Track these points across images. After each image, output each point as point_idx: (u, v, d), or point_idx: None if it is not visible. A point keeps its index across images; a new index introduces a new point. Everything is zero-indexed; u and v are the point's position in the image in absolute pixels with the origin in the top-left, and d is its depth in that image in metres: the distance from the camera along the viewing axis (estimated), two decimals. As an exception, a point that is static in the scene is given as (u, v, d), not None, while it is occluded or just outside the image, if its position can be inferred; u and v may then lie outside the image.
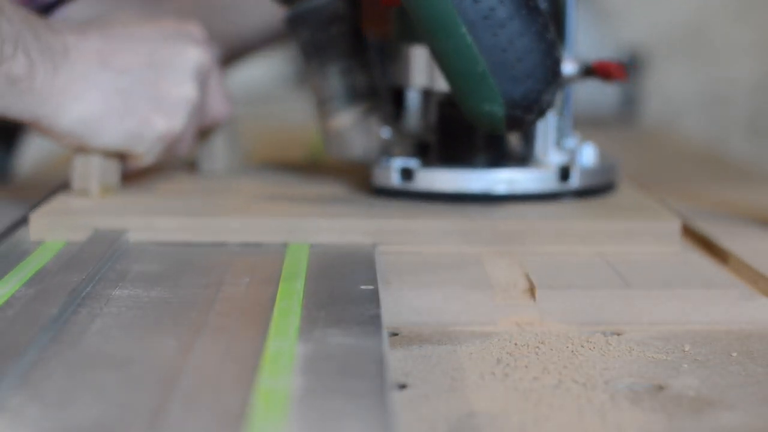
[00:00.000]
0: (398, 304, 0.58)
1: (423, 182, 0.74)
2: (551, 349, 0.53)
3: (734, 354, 0.53)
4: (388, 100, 0.79)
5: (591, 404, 0.45)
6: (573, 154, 0.77)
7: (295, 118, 1.37)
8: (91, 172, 0.75)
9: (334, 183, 0.82)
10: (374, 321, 0.49)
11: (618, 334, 0.56)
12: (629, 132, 1.41)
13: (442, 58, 0.68)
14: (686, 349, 0.53)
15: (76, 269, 0.58)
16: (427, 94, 0.77)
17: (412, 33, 0.76)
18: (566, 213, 0.72)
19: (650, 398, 0.46)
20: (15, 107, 0.69)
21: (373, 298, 0.53)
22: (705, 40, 1.80)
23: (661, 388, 0.48)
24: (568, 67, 0.74)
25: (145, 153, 0.75)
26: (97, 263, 0.60)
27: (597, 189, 0.76)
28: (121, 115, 0.73)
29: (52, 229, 0.68)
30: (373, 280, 0.57)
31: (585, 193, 0.75)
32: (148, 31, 0.76)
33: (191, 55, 0.75)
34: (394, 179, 0.75)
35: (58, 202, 0.73)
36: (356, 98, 0.79)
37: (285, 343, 0.46)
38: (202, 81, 0.77)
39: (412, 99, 0.78)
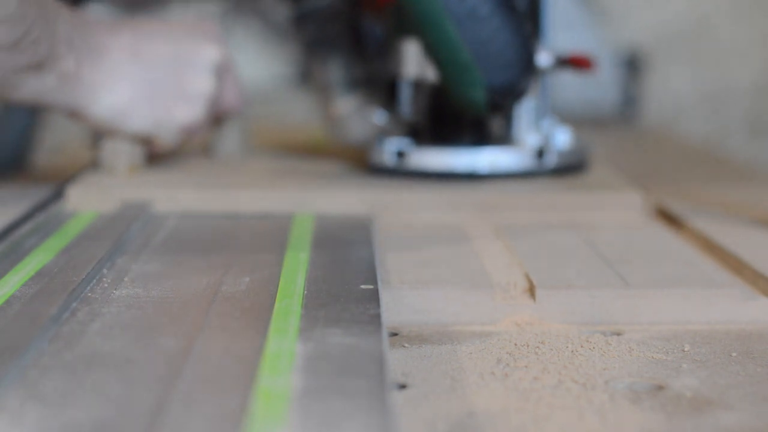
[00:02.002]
0: (398, 304, 0.58)
1: (415, 162, 0.84)
2: (551, 349, 0.53)
3: (734, 354, 0.53)
4: (384, 89, 0.88)
5: (591, 404, 0.45)
6: (549, 136, 0.85)
7: (295, 118, 1.37)
8: (118, 154, 0.84)
9: (334, 163, 0.91)
10: (374, 320, 0.49)
11: (618, 334, 0.56)
12: (629, 132, 1.41)
13: (433, 50, 0.80)
14: (686, 349, 0.53)
15: (108, 235, 0.66)
16: (418, 83, 0.85)
17: (406, 29, 0.83)
18: (541, 188, 0.81)
19: (650, 398, 0.46)
20: (61, 100, 0.78)
21: (374, 297, 0.53)
22: (705, 40, 1.80)
23: (660, 388, 0.48)
24: (544, 59, 0.83)
25: (167, 139, 0.84)
26: (127, 229, 0.68)
27: (570, 167, 0.85)
28: (148, 104, 0.82)
29: (85, 201, 0.77)
30: (374, 279, 0.57)
31: (559, 171, 0.85)
32: (172, 29, 0.84)
33: (209, 52, 0.84)
34: (389, 159, 0.84)
35: (90, 178, 0.82)
36: (355, 87, 0.90)
37: (285, 342, 0.46)
38: (219, 75, 0.85)
39: (405, 88, 0.85)
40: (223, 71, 0.86)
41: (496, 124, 0.85)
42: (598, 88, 1.49)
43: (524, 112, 0.85)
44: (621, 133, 1.38)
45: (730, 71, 1.81)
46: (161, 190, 0.78)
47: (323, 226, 0.71)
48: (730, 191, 0.88)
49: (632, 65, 1.52)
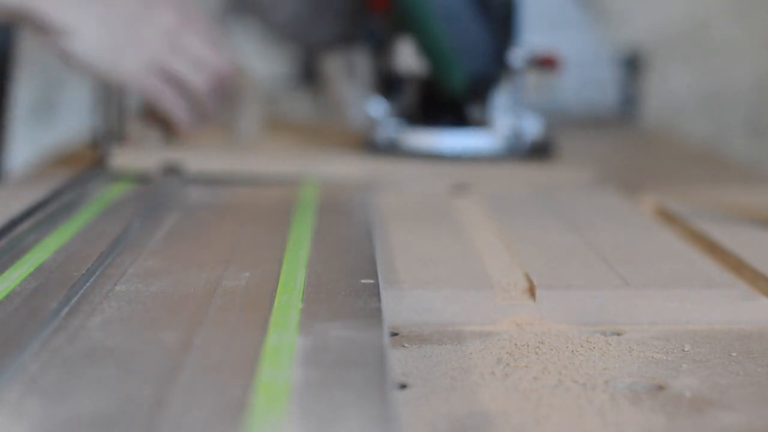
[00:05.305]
0: (398, 304, 0.58)
1: (405, 143, 0.99)
2: (551, 349, 0.53)
3: (734, 354, 0.53)
4: (382, 80, 1.03)
5: (591, 404, 0.45)
6: (520, 124, 0.99)
7: (296, 117, 1.37)
8: (146, 134, 0.99)
9: (336, 142, 1.07)
10: (375, 314, 0.49)
11: (618, 334, 0.56)
12: (629, 132, 1.41)
13: (424, 46, 0.96)
14: (686, 349, 0.53)
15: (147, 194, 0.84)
16: (411, 76, 1.00)
17: (402, 29, 0.98)
18: (509, 165, 0.96)
19: (650, 398, 0.46)
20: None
21: (374, 291, 0.53)
22: (705, 40, 1.80)
23: (661, 388, 0.48)
24: (516, 57, 0.98)
25: (126, 78, 0.92)
26: (165, 188, 0.86)
27: (538, 152, 0.99)
28: (111, 43, 0.90)
29: (130, 161, 0.93)
30: (374, 274, 0.57)
31: (528, 155, 0.99)
32: None
33: (165, 17, 0.92)
34: (383, 140, 0.99)
35: (128, 149, 0.97)
36: (355, 79, 1.12)
37: (285, 336, 0.46)
38: (172, 37, 0.93)
39: (400, 80, 1.01)
40: (179, 31, 0.94)
41: (475, 113, 1.00)
42: (598, 88, 1.49)
43: (499, 102, 0.99)
44: (621, 133, 1.38)
45: (730, 71, 1.81)
46: (191, 154, 0.94)
47: (327, 191, 0.86)
48: (730, 191, 0.88)
49: (632, 65, 1.52)
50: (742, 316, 0.58)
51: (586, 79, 1.48)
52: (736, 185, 0.94)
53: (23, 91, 1.53)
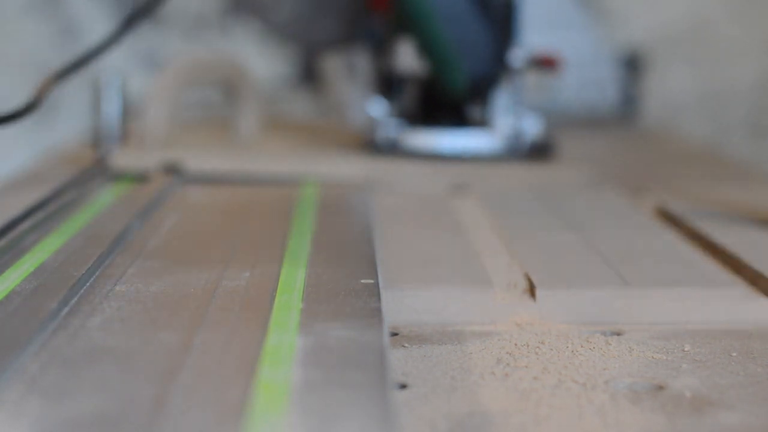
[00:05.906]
0: (398, 304, 0.58)
1: (405, 143, 0.99)
2: (551, 349, 0.53)
3: (734, 354, 0.53)
4: (383, 80, 1.04)
5: (591, 404, 0.45)
6: (520, 124, 1.00)
7: (295, 119, 1.37)
8: (154, 124, 1.02)
9: (336, 142, 1.08)
10: (375, 314, 0.49)
11: (618, 334, 0.56)
12: (629, 132, 1.41)
13: (425, 47, 0.97)
14: (686, 349, 0.53)
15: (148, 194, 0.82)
16: (411, 76, 1.01)
17: (402, 30, 0.99)
18: (509, 165, 0.97)
19: (650, 398, 0.46)
20: None
21: (374, 291, 0.53)
22: (705, 40, 1.80)
23: (661, 388, 0.48)
24: (517, 57, 0.99)
25: None
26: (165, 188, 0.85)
27: (538, 152, 1.00)
28: None
29: (131, 160, 0.93)
30: (374, 274, 0.57)
31: (528, 155, 0.99)
32: None
33: None
34: (383, 140, 0.99)
35: (129, 148, 0.98)
36: (356, 79, 1.14)
37: (285, 336, 0.46)
38: None
39: (400, 81, 1.02)
40: None
41: (475, 113, 1.01)
42: (598, 88, 1.49)
43: (499, 103, 1.00)
44: (621, 133, 1.38)
45: (730, 71, 1.81)
46: (191, 154, 0.94)
47: (327, 191, 0.86)
48: (730, 191, 0.88)
49: (632, 65, 1.52)
50: (742, 316, 0.58)
51: (586, 79, 1.48)
52: (736, 185, 0.94)
53: (23, 91, 1.53)
